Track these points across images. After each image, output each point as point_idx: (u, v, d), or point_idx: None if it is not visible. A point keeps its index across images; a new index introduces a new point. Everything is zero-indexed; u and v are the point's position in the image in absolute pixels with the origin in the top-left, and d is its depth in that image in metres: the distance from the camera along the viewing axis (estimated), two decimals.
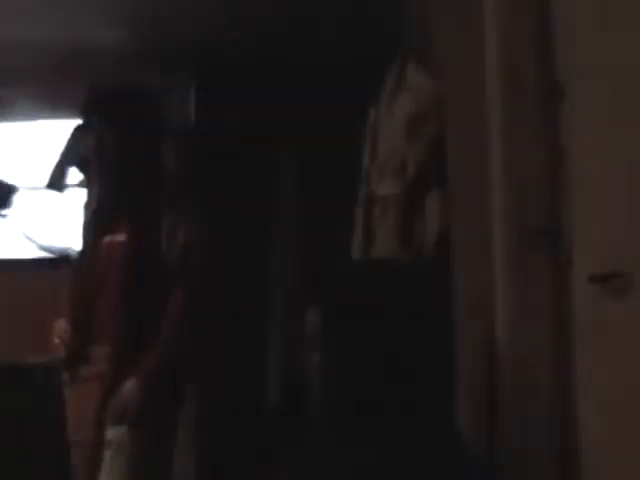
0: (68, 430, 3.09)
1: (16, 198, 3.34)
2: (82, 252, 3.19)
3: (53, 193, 4.15)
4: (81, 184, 3.96)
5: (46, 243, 4.63)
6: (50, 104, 4.52)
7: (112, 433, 2.93)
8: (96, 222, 3.18)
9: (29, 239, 4.71)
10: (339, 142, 3.79)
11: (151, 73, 4.22)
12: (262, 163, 4.25)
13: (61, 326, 3.10)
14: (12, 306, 4.03)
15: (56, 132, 4.48)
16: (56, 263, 4.22)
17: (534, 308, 1.87)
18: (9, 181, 3.38)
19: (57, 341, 3.09)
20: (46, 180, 4.20)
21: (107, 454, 2.92)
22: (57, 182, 4.05)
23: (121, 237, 3.02)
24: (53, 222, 4.52)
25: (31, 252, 4.75)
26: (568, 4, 1.93)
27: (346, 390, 1.87)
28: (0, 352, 4.27)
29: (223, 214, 4.19)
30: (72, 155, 3.95)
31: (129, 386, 2.92)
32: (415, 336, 1.92)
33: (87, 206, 3.39)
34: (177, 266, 2.98)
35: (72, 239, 3.24)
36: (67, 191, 4.11)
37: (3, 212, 3.30)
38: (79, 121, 3.82)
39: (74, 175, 4.04)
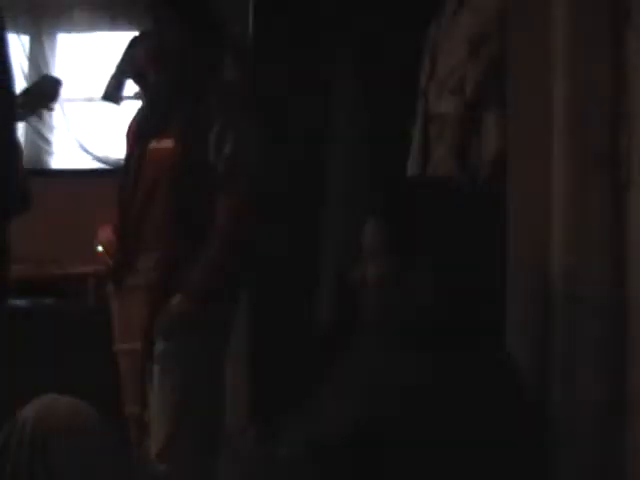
0: (114, 340, 3.12)
1: (61, 91, 3.35)
2: (127, 158, 3.17)
3: (109, 105, 4.18)
4: (137, 96, 3.97)
5: (102, 154, 4.68)
6: (108, 16, 4.53)
7: (160, 348, 2.95)
8: (142, 127, 3.15)
9: (85, 150, 4.76)
10: (403, 57, 3.75)
11: None
12: (322, 76, 4.22)
13: (105, 234, 3.10)
14: (69, 216, 4.08)
15: (113, 44, 4.49)
16: (112, 174, 4.26)
17: (593, 230, 1.87)
18: (53, 75, 3.41)
19: (100, 249, 3.10)
20: (102, 92, 4.21)
21: (155, 368, 2.95)
22: (113, 94, 4.06)
23: (168, 143, 2.99)
24: (109, 134, 4.55)
25: (87, 163, 4.81)
26: None
27: (399, 309, 1.89)
28: (57, 262, 4.35)
29: (281, 125, 4.18)
30: (128, 67, 3.95)
31: (177, 301, 2.93)
32: (470, 258, 1.92)
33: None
34: (226, 173, 2.95)
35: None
36: (123, 103, 4.13)
37: (51, 105, 3.33)
38: (136, 33, 3.82)
39: (130, 87, 4.05)
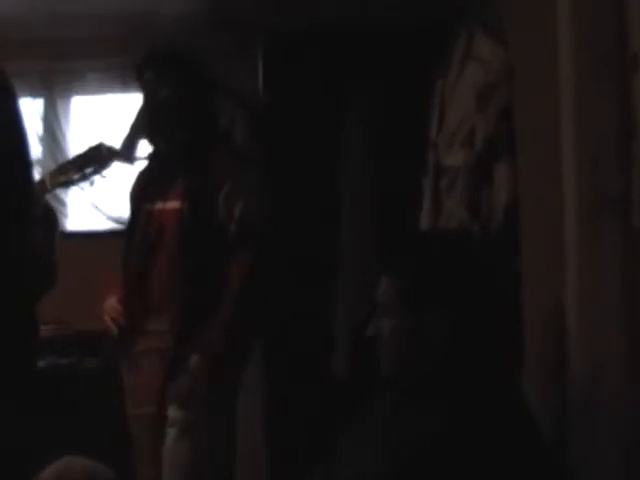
0: (126, 404, 3.08)
1: (115, 162, 3.39)
2: (132, 220, 3.15)
3: (123, 165, 4.20)
4: (150, 157, 4.00)
5: (116, 214, 4.70)
6: (119, 77, 4.58)
7: (176, 412, 2.91)
8: (147, 188, 3.14)
9: (99, 210, 4.79)
10: (407, 111, 3.78)
11: (219, 41, 4.24)
12: (330, 130, 4.25)
13: (111, 303, 3.07)
14: (84, 276, 4.09)
15: (126, 105, 4.54)
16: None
17: (605, 277, 1.87)
18: (110, 145, 3.43)
19: (107, 319, 3.07)
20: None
21: (170, 432, 2.90)
22: (127, 154, 4.09)
23: (175, 204, 2.99)
24: (123, 194, 4.58)
25: (101, 223, 4.83)
26: None
27: (414, 361, 1.89)
28: (72, 320, 4.35)
29: (290, 181, 4.20)
30: (142, 127, 3.98)
31: (194, 365, 2.89)
32: (484, 308, 1.92)
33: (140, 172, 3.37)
34: (237, 232, 2.93)
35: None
36: (137, 163, 4.16)
37: (103, 172, 3.35)
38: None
39: (144, 147, 4.09)
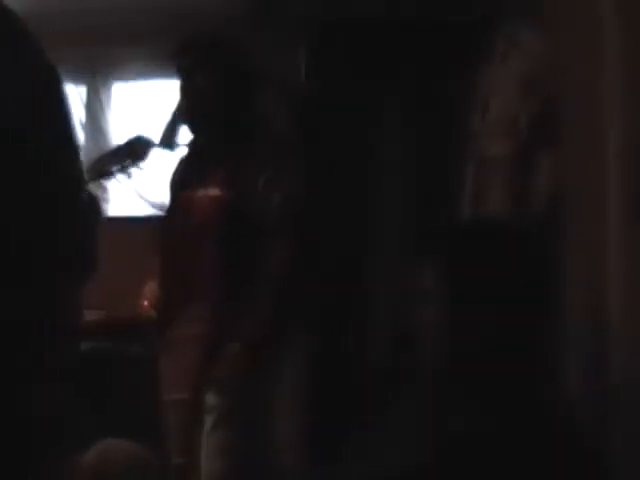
0: (162, 390, 3.10)
1: (151, 152, 3.40)
2: (172, 206, 3.16)
3: (165, 151, 4.22)
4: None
5: (158, 201, 4.72)
6: (161, 64, 4.59)
7: (214, 399, 2.92)
8: (187, 175, 3.15)
9: (141, 197, 4.81)
10: (448, 100, 3.76)
11: (262, 29, 4.24)
12: (370, 121, 4.24)
13: (150, 288, 3.09)
14: (125, 261, 4.11)
15: (168, 92, 4.56)
16: None
17: None
18: (146, 136, 3.44)
19: (146, 304, 3.09)
20: (158, 138, 4.26)
21: (208, 419, 2.92)
22: (169, 140, 4.10)
23: (215, 191, 2.99)
24: (164, 180, 4.60)
25: (143, 209, 4.86)
26: None
27: (455, 354, 1.88)
28: (114, 306, 4.39)
29: (330, 170, 4.20)
30: (182, 115, 3.98)
31: (233, 352, 2.90)
32: (525, 301, 1.91)
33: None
34: (276, 220, 2.93)
35: None
36: (179, 149, 4.18)
37: (140, 164, 3.36)
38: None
39: (185, 134, 4.10)
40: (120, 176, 3.39)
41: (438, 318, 1.87)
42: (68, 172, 0.50)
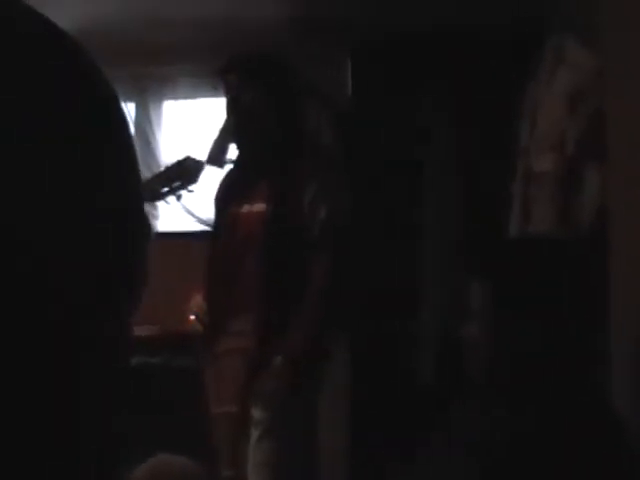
0: (209, 403, 3.11)
1: (202, 174, 3.41)
2: (217, 222, 3.18)
3: (213, 168, 4.26)
4: None
5: (206, 217, 4.76)
6: (210, 82, 4.63)
7: (260, 413, 2.93)
8: (232, 191, 3.17)
9: (190, 213, 4.86)
10: (495, 116, 3.75)
11: (308, 45, 4.26)
12: (416, 135, 4.24)
13: (197, 302, 3.11)
14: (173, 276, 4.15)
15: (216, 109, 4.60)
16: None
17: None
18: (197, 158, 3.46)
19: (193, 317, 3.11)
20: (206, 156, 4.30)
21: (254, 433, 2.93)
22: (217, 158, 4.14)
23: (261, 206, 3.01)
24: (212, 196, 4.65)
25: (191, 224, 4.90)
26: None
27: (504, 366, 1.88)
28: (162, 320, 4.43)
29: (375, 184, 4.20)
30: (229, 131, 4.02)
31: (278, 366, 2.91)
32: (573, 314, 1.90)
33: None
34: (322, 235, 2.94)
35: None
36: (227, 167, 4.22)
37: (190, 188, 3.37)
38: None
39: (234, 151, 4.14)
40: (170, 198, 3.41)
41: (485, 334, 1.87)
42: (127, 189, 0.52)
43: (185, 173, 3.39)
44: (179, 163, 3.45)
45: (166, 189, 3.36)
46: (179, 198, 3.39)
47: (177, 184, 3.36)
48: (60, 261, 0.51)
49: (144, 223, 0.60)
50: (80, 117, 0.54)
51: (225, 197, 3.21)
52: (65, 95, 0.53)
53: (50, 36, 0.55)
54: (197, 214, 4.85)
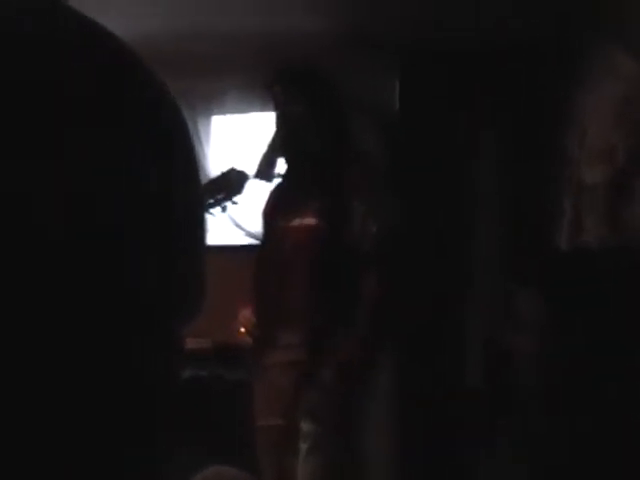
0: (256, 415, 3.12)
1: (247, 185, 3.43)
2: (266, 235, 3.19)
3: (261, 182, 4.28)
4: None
5: (255, 230, 4.78)
6: (259, 96, 4.65)
7: (309, 426, 2.93)
8: (281, 204, 3.17)
9: (238, 226, 4.88)
10: (543, 129, 3.73)
11: (357, 58, 4.27)
12: (463, 148, 4.23)
13: (246, 315, 3.12)
14: (222, 289, 4.17)
15: (265, 124, 4.62)
16: None
17: None
18: (241, 169, 3.48)
19: (242, 330, 3.12)
20: (254, 170, 4.32)
21: (303, 447, 2.93)
22: (265, 172, 4.16)
23: (311, 221, 3.01)
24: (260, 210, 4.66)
25: (239, 238, 4.92)
26: None
27: (556, 375, 1.86)
28: (211, 333, 4.45)
29: (422, 197, 4.20)
30: (277, 145, 4.03)
31: (327, 380, 2.91)
32: (626, 324, 1.89)
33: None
34: (372, 249, 2.94)
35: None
36: (275, 180, 4.23)
37: (235, 199, 3.39)
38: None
39: (282, 165, 4.15)
40: (213, 210, 3.42)
41: (538, 344, 1.86)
42: (191, 202, 0.53)
43: (229, 185, 3.40)
44: (223, 175, 3.47)
45: (211, 201, 3.38)
46: (224, 209, 3.40)
47: (221, 196, 3.37)
48: (132, 272, 0.52)
49: (203, 235, 0.61)
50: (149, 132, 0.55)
51: (274, 211, 3.22)
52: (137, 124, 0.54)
53: (126, 66, 0.56)
54: (246, 227, 4.87)
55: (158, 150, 0.55)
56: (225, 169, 3.54)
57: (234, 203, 3.40)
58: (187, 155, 0.58)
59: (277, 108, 3.21)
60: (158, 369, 0.55)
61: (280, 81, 3.19)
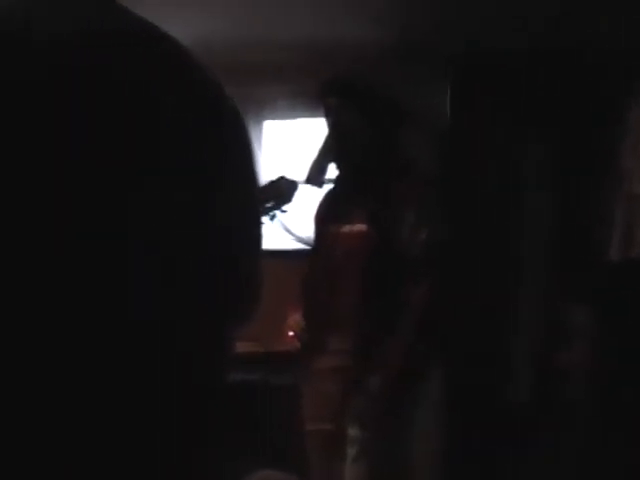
0: (304, 419, 3.13)
1: (296, 194, 3.44)
2: (317, 241, 3.21)
3: (312, 188, 4.28)
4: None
5: (305, 235, 4.80)
6: (309, 102, 4.67)
7: (356, 432, 2.94)
8: (332, 210, 3.18)
9: (288, 231, 4.90)
10: (595, 138, 3.71)
11: (407, 68, 4.27)
12: (514, 158, 4.22)
13: (295, 319, 3.14)
14: (271, 293, 4.18)
15: (316, 129, 4.64)
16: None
17: None
18: (290, 178, 3.49)
19: (291, 334, 3.14)
20: (305, 175, 4.33)
21: (350, 452, 2.94)
22: (315, 177, 4.16)
23: (362, 227, 3.01)
24: (311, 215, 4.68)
25: (289, 244, 4.94)
26: None
27: (606, 389, 1.85)
28: (260, 337, 4.47)
29: (473, 211, 4.19)
30: (328, 152, 4.04)
31: (374, 386, 2.91)
32: None
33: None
34: (421, 257, 2.94)
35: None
36: (325, 186, 4.24)
37: (284, 207, 3.40)
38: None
39: (333, 171, 4.16)
40: (263, 218, 3.43)
41: (589, 358, 1.85)
42: (249, 205, 0.53)
43: (279, 193, 3.41)
44: (272, 183, 3.47)
45: (261, 209, 3.38)
46: (272, 218, 3.41)
47: (270, 204, 3.38)
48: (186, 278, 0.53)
49: (260, 239, 0.62)
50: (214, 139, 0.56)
51: (325, 217, 3.24)
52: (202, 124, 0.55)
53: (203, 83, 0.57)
54: (296, 233, 4.88)
55: (221, 150, 0.55)
56: (275, 177, 3.55)
57: (283, 212, 3.40)
58: (247, 156, 0.59)
59: (329, 117, 3.22)
60: (209, 372, 0.56)
61: (334, 93, 3.20)
